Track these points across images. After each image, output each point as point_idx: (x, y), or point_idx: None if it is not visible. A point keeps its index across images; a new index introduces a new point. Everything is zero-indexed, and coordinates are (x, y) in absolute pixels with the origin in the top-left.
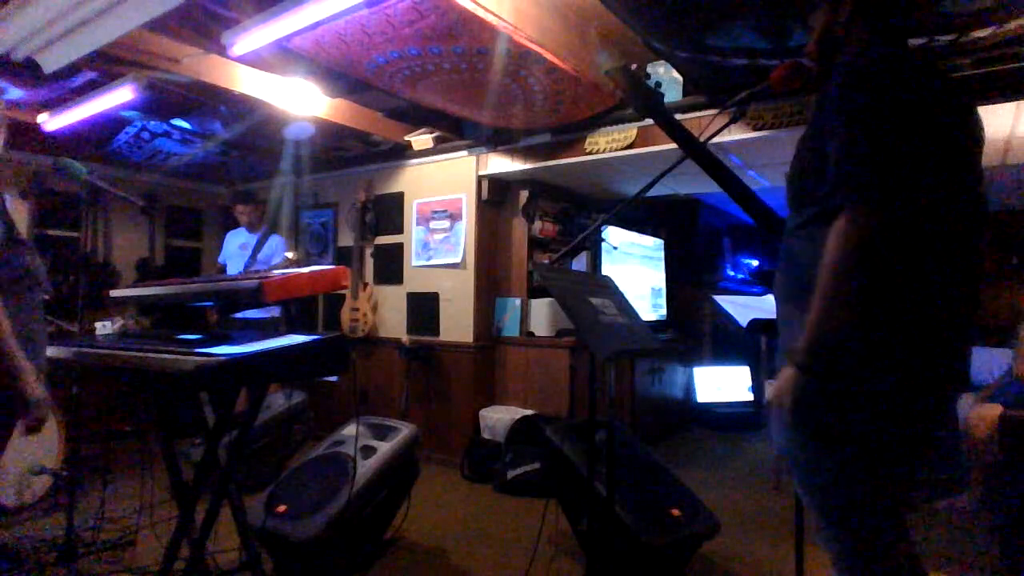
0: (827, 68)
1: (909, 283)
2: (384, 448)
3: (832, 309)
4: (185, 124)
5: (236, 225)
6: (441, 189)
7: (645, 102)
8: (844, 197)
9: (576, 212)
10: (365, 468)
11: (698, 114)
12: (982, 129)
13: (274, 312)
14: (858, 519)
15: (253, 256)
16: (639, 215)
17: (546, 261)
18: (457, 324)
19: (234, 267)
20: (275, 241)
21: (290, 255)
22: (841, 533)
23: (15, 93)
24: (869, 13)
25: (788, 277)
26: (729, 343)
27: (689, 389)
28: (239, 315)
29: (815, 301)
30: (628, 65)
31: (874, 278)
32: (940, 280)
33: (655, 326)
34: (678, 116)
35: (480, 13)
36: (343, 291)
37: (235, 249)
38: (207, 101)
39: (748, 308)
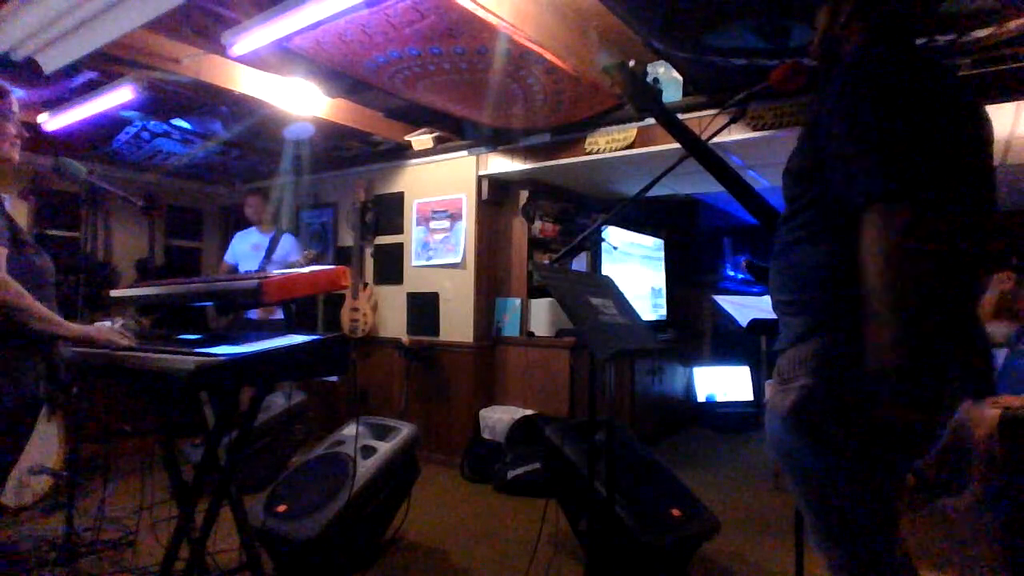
0: (829, 67)
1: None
2: (384, 448)
3: (908, 323)
4: (185, 124)
5: (239, 224)
6: (441, 189)
7: (642, 98)
8: (862, 197)
9: (576, 212)
10: (365, 468)
11: (698, 114)
12: (990, 127)
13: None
14: (855, 521)
15: (268, 256)
16: (639, 215)
17: (546, 261)
18: (457, 324)
19: (247, 267)
20: (288, 241)
21: (301, 258)
22: (838, 536)
23: (15, 93)
24: (869, 14)
25: (780, 267)
26: (729, 343)
27: (689, 389)
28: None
29: (883, 320)
30: (626, 62)
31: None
32: (958, 280)
33: (655, 326)
34: (678, 116)
35: (480, 13)
36: (343, 291)
37: (247, 249)
38: (207, 101)
39: (748, 308)
